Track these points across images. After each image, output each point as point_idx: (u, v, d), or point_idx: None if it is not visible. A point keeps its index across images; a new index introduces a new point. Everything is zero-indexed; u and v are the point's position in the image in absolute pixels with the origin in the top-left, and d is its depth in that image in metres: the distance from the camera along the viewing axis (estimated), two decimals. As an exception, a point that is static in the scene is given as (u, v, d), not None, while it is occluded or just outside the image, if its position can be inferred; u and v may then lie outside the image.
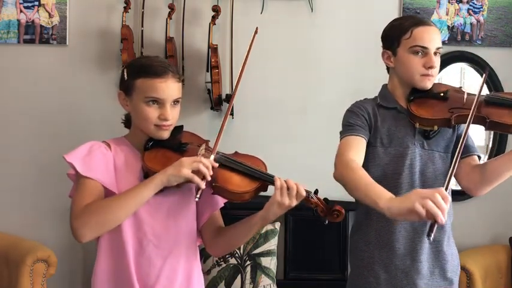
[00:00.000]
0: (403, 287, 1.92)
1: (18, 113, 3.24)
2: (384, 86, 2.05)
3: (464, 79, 3.41)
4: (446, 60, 3.27)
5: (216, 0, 3.17)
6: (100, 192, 1.65)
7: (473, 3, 3.31)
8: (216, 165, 1.63)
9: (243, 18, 3.23)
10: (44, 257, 2.87)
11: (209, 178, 1.59)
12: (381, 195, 1.64)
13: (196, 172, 1.58)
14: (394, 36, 1.94)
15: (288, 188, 1.60)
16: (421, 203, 1.50)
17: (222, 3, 3.17)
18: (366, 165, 1.92)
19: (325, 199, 1.63)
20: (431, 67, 1.88)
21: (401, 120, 1.94)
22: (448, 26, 3.31)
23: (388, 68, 2.03)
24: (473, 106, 1.78)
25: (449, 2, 3.31)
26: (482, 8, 3.32)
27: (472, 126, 1.79)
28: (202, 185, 1.58)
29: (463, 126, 1.93)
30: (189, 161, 1.59)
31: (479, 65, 3.31)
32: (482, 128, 1.87)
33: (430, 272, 1.93)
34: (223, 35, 3.23)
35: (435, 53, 1.90)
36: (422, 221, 1.60)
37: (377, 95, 2.04)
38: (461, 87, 2.00)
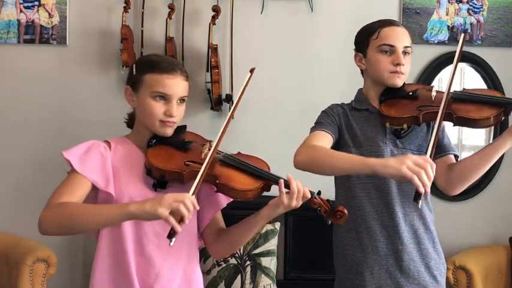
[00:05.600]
0: (387, 286, 1.94)
1: (18, 112, 3.24)
2: (359, 90, 2.10)
3: (464, 79, 3.41)
4: (446, 60, 3.28)
5: (216, 0, 3.17)
6: (84, 192, 1.64)
7: (473, 3, 3.32)
8: (197, 207, 1.53)
9: (243, 18, 3.23)
10: (44, 257, 2.87)
11: (187, 222, 1.49)
12: (365, 158, 1.77)
13: (175, 213, 1.47)
14: (363, 38, 2.01)
15: (298, 192, 1.63)
16: (416, 174, 1.63)
17: (222, 3, 3.17)
18: None
19: (328, 200, 1.65)
20: (398, 64, 1.93)
21: (372, 121, 1.99)
22: (448, 26, 3.31)
23: (362, 72, 2.08)
24: (443, 101, 1.83)
25: (449, 2, 3.31)
26: (482, 8, 3.33)
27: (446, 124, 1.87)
28: (178, 228, 1.47)
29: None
30: (170, 200, 1.47)
31: (479, 65, 3.32)
32: (450, 124, 1.91)
33: (414, 271, 1.95)
34: (223, 35, 3.23)
35: (404, 52, 1.95)
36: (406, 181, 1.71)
37: (353, 99, 2.09)
38: (433, 86, 2.03)
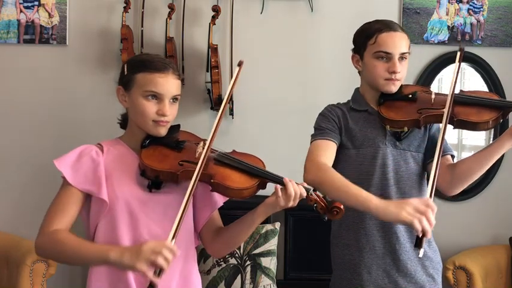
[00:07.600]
0: (384, 285, 1.95)
1: (18, 113, 3.25)
2: (356, 90, 2.10)
3: (464, 79, 3.41)
4: (447, 60, 3.28)
5: (216, 0, 3.17)
6: (77, 207, 1.67)
7: (473, 3, 3.32)
8: (178, 253, 1.52)
9: (243, 18, 3.23)
10: (44, 257, 2.87)
11: (166, 272, 1.48)
12: (368, 197, 1.74)
13: (154, 264, 1.47)
14: (361, 41, 2.00)
15: (294, 194, 1.62)
16: (417, 219, 1.63)
17: (222, 3, 3.17)
18: (339, 167, 1.99)
19: (324, 196, 1.65)
20: (394, 72, 1.92)
21: (372, 122, 1.99)
22: (448, 26, 3.31)
23: (359, 72, 2.07)
24: (447, 106, 1.83)
25: (449, 2, 3.31)
26: (482, 8, 3.33)
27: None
28: (157, 281, 1.47)
29: (435, 126, 2.01)
30: (148, 253, 1.47)
31: (479, 65, 3.31)
32: (450, 127, 1.91)
33: (411, 270, 1.96)
34: (223, 35, 3.23)
35: (401, 58, 1.94)
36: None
37: (350, 98, 2.09)
38: (430, 88, 2.05)
